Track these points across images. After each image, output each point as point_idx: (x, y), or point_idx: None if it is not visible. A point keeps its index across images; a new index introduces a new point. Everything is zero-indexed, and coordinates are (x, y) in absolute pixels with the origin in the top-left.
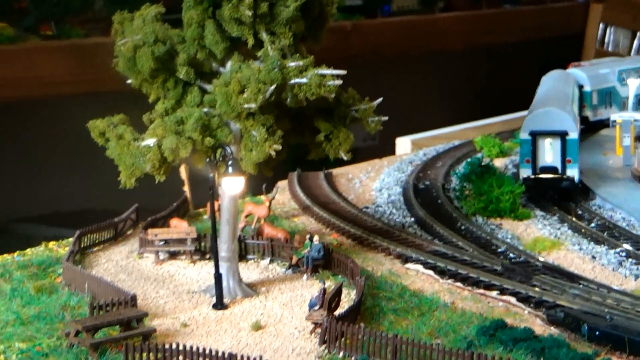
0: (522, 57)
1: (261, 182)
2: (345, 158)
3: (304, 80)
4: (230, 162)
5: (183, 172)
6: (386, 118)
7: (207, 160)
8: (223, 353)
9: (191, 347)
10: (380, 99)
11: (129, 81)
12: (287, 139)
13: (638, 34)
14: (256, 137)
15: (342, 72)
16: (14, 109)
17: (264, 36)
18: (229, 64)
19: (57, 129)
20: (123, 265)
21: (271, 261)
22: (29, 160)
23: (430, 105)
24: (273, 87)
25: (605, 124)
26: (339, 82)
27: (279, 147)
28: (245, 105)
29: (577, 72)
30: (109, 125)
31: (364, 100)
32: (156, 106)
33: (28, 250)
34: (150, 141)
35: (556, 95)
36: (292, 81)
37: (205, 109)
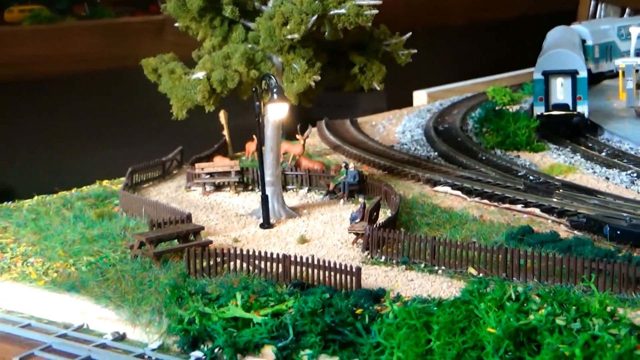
0: (522, 30)
1: (296, 125)
2: (378, 88)
3: (343, 10)
4: (275, 90)
5: (222, 117)
6: (415, 51)
7: (253, 90)
8: (277, 254)
9: (247, 251)
10: (409, 34)
11: (176, 24)
12: (324, 72)
13: (627, 9)
14: (297, 69)
15: (379, 1)
16: (52, 84)
17: None
18: (270, 2)
19: (90, 102)
20: (173, 196)
21: (309, 190)
22: (68, 131)
23: (442, 67)
24: (315, 17)
25: (606, 76)
26: (375, 11)
27: (318, 78)
28: (289, 36)
29: (580, 28)
30: (160, 62)
31: (395, 35)
32: (204, 43)
33: (84, 188)
34: (200, 74)
35: (564, 41)
36: (332, 12)
37: (250, 45)
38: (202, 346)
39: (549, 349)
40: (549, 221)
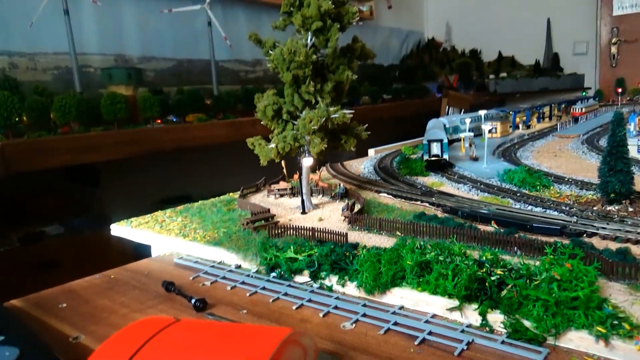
0: (415, 120)
1: (316, 166)
2: (353, 149)
3: (336, 115)
4: (306, 152)
5: (283, 164)
6: (369, 132)
7: (297, 152)
8: (310, 227)
9: (296, 225)
10: (366, 125)
11: (262, 122)
12: (328, 143)
13: (461, 110)
14: (316, 142)
15: (352, 111)
16: (208, 149)
17: (319, 98)
18: (304, 112)
19: (227, 157)
20: (261, 200)
21: (322, 196)
22: (216, 169)
23: (380, 138)
24: (323, 119)
25: (456, 140)
26: (350, 115)
27: (325, 146)
28: (312, 128)
29: (442, 119)
30: (255, 140)
31: (360, 125)
32: (274, 132)
33: (222, 197)
34: (272, 145)
35: (436, 125)
36: (331, 116)
37: (295, 132)
38: (276, 270)
39: (436, 271)
40: (433, 209)
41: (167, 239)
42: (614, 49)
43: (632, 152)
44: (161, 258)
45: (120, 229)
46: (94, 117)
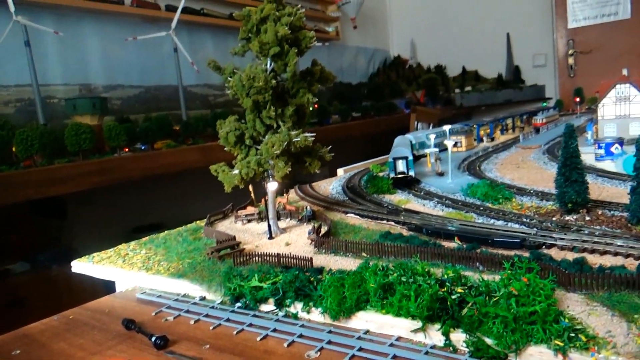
0: (384, 137)
1: (282, 189)
2: (318, 172)
3: (298, 139)
4: (270, 176)
5: (250, 189)
6: (333, 154)
7: (261, 177)
8: (275, 252)
9: (262, 252)
10: (330, 146)
11: (226, 148)
12: (292, 166)
13: (430, 125)
14: (280, 166)
15: (314, 134)
16: (177, 176)
17: (280, 123)
18: (267, 136)
19: (194, 182)
20: (228, 227)
21: (290, 219)
22: (184, 195)
23: (349, 157)
24: (285, 143)
25: (422, 156)
26: (312, 138)
27: (290, 169)
28: (275, 152)
29: (409, 135)
30: (219, 166)
31: (323, 147)
32: (237, 157)
33: (189, 225)
34: (236, 171)
35: (402, 142)
36: (293, 139)
37: (258, 156)
38: (240, 300)
39: (398, 292)
40: (398, 227)
41: (130, 273)
42: (571, 60)
43: (590, 160)
44: (123, 294)
45: (81, 266)
46: (59, 148)
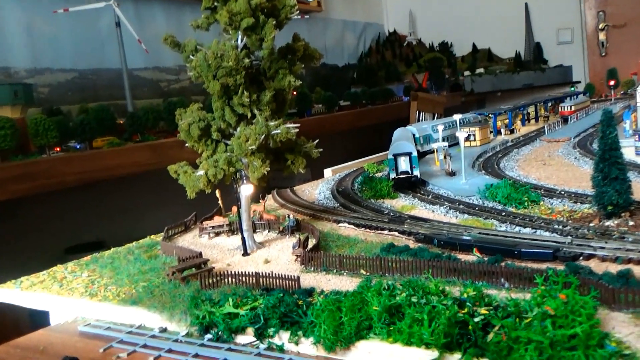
0: (380, 130)
1: (258, 194)
2: (302, 172)
3: (278, 130)
4: (244, 177)
5: (218, 194)
6: (321, 149)
7: (232, 178)
8: (253, 271)
9: (235, 271)
10: (317, 140)
11: (187, 144)
12: (271, 166)
13: (435, 115)
14: (256, 165)
15: (298, 125)
16: (122, 181)
17: (256, 111)
18: (239, 128)
19: (143, 188)
20: (191, 242)
21: (269, 231)
22: (131, 204)
23: (339, 154)
24: (263, 136)
25: (428, 153)
26: (296, 130)
27: (268, 169)
28: (249, 147)
29: (411, 128)
30: (179, 167)
31: (309, 142)
32: (203, 155)
33: (141, 240)
34: (201, 172)
35: (403, 136)
36: (272, 132)
37: (228, 154)
38: (211, 331)
39: (408, 316)
40: (403, 238)
41: (70, 300)
42: (602, 36)
43: (630, 155)
44: (62, 327)
45: (6, 293)
46: None
